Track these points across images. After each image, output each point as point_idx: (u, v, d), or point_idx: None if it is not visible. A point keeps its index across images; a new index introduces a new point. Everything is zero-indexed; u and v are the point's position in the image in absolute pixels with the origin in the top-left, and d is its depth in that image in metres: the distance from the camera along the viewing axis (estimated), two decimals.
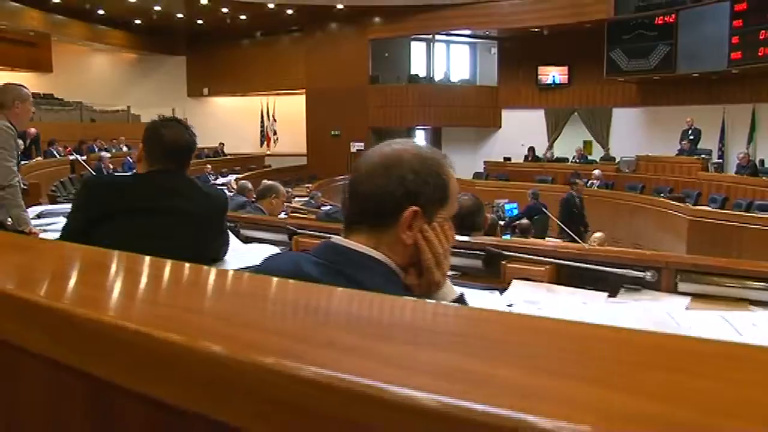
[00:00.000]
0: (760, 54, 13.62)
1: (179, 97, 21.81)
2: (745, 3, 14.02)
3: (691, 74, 15.28)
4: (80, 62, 20.19)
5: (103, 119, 19.57)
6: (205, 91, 22.01)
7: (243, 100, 22.09)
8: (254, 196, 10.28)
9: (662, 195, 12.92)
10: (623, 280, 2.09)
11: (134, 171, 2.53)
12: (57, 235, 3.45)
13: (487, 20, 18.18)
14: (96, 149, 15.93)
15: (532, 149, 17.63)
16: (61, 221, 4.11)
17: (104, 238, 2.08)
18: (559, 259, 2.17)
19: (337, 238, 1.26)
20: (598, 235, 6.85)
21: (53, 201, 9.84)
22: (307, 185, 16.56)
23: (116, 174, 3.45)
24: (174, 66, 21.89)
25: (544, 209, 11.97)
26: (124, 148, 17.16)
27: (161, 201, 2.21)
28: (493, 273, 2.33)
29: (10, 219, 3.94)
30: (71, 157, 14.81)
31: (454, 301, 1.29)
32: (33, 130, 13.79)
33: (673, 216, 11.25)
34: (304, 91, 20.41)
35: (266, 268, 1.30)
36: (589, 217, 11.91)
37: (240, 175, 15.90)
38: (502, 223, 12.20)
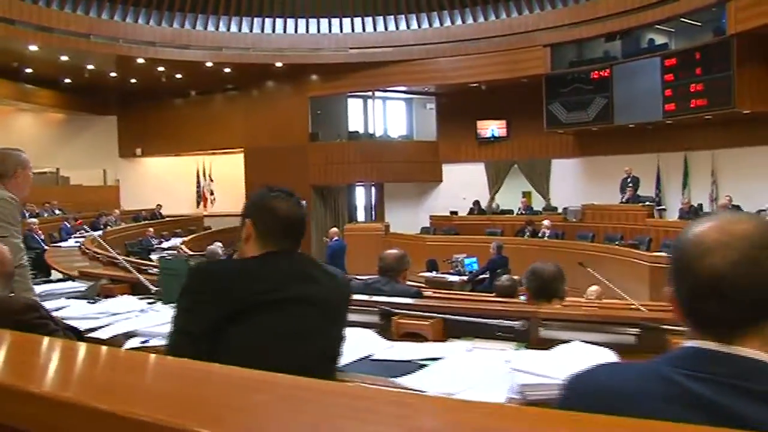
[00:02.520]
0: (692, 105, 14.28)
1: (111, 158, 21.04)
2: (674, 58, 14.76)
3: (627, 125, 15.87)
4: (4, 123, 19.19)
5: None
6: (138, 151, 21.31)
7: (177, 160, 21.50)
8: None
9: (617, 243, 13.19)
10: None
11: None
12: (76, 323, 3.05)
13: (426, 77, 18.48)
14: (26, 215, 15.02)
15: (477, 202, 17.81)
16: (66, 304, 3.67)
17: (241, 340, 1.74)
18: None
19: (708, 344, 1.04)
20: (593, 288, 6.76)
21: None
22: None
23: (225, 259, 2.75)
24: (104, 126, 21.10)
25: (506, 262, 11.98)
26: (57, 212, 16.31)
27: (296, 289, 1.86)
28: (648, 348, 2.16)
29: None
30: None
31: None
32: None
33: (633, 263, 11.46)
34: (242, 150, 20.07)
35: (623, 389, 1.05)
36: None
37: (185, 238, 15.35)
38: (464, 278, 12.16)
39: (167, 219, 18.80)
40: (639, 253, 11.74)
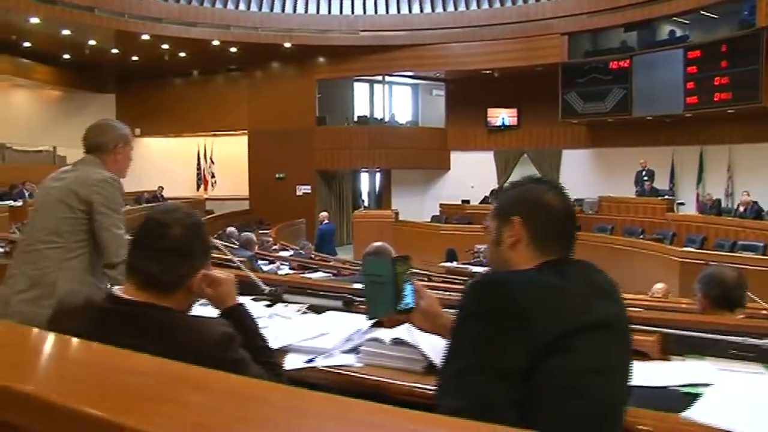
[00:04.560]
0: (715, 99, 14.10)
1: None
2: (698, 51, 14.53)
3: (645, 117, 15.63)
4: None
5: (26, 160, 17.87)
6: (137, 131, 20.66)
7: (177, 141, 20.92)
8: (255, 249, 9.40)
9: (640, 237, 12.96)
10: None
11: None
12: None
13: (437, 62, 18.09)
14: (26, 194, 14.45)
15: (494, 191, 17.48)
16: None
17: (551, 381, 1.31)
18: None
19: None
20: (659, 286, 6.45)
21: None
22: (262, 231, 15.63)
23: (518, 271, 1.50)
24: (103, 104, 20.39)
25: None
26: None
27: (601, 309, 1.45)
28: None
29: None
30: None
31: None
32: None
33: (660, 258, 11.22)
34: (245, 132, 19.56)
35: None
36: None
37: None
38: (488, 269, 11.82)
39: (169, 202, 18.28)
40: (668, 247, 11.49)
